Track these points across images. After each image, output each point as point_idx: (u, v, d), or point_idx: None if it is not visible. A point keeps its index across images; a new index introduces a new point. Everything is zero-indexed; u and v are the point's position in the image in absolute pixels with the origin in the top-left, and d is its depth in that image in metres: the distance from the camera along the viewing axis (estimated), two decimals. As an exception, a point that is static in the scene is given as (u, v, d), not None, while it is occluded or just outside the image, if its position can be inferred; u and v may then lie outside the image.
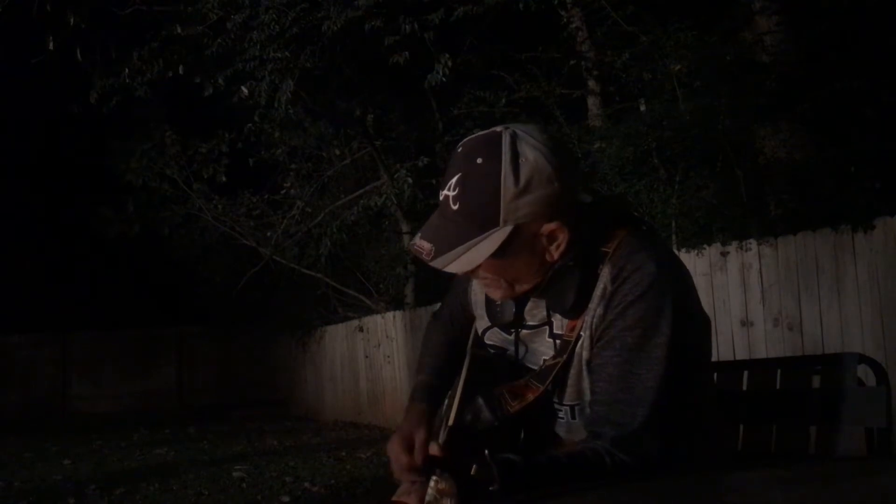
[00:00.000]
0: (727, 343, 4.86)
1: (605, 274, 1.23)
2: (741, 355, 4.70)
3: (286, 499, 5.08)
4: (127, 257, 12.99)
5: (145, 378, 13.49)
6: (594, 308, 1.23)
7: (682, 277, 1.27)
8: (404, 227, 9.38)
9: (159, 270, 12.62)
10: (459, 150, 1.24)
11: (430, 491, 1.00)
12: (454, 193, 1.20)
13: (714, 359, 1.46)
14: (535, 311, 1.32)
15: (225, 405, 12.52)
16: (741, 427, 1.65)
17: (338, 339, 10.80)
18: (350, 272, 10.34)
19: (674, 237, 5.33)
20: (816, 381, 1.55)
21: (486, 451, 1.01)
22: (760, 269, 4.80)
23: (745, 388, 1.66)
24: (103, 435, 9.02)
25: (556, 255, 1.23)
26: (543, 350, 1.32)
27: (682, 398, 1.22)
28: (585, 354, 1.25)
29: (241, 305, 11.29)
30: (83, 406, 12.95)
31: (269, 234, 10.18)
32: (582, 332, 1.25)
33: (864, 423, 1.40)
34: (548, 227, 1.21)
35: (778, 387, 1.60)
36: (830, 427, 1.45)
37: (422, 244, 1.23)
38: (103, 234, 11.45)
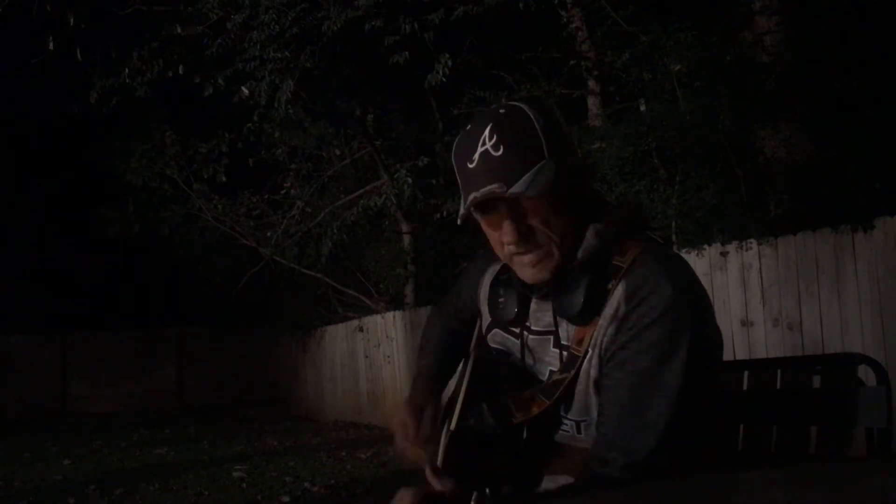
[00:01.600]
0: (727, 343, 4.83)
1: (618, 292, 1.19)
2: (741, 355, 4.70)
3: (286, 499, 5.09)
4: (127, 257, 13.00)
5: (145, 378, 13.50)
6: (605, 326, 1.20)
7: (700, 299, 1.21)
8: (404, 227, 9.38)
9: (159, 270, 12.62)
10: (473, 123, 1.24)
11: None
12: (492, 142, 1.19)
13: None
14: (539, 315, 1.30)
15: (225, 405, 12.54)
16: (741, 427, 1.65)
17: (338, 339, 10.80)
18: (350, 272, 10.33)
19: (674, 237, 5.33)
20: (816, 381, 1.54)
21: (486, 490, 1.01)
22: (760, 269, 4.80)
23: (745, 388, 1.66)
24: (103, 435, 9.03)
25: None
26: (549, 360, 1.29)
27: (693, 421, 1.19)
28: (594, 373, 1.21)
29: (241, 305, 11.29)
30: (83, 406, 12.96)
31: (269, 234, 10.18)
32: (590, 349, 1.21)
33: (864, 423, 1.40)
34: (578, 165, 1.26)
35: (778, 387, 1.60)
36: (830, 427, 1.45)
37: (489, 188, 1.18)
38: (103, 234, 11.45)
